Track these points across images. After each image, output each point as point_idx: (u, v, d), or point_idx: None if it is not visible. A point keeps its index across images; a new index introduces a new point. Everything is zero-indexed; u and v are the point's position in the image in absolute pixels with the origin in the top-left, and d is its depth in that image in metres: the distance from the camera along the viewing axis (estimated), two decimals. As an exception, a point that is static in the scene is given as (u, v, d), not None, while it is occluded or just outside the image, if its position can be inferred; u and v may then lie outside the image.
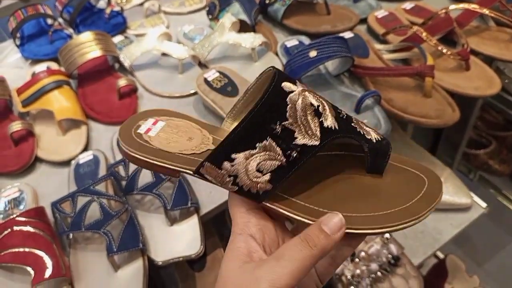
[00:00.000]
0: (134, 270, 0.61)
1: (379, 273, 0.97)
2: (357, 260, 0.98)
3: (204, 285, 0.89)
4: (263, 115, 0.33)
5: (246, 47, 0.91)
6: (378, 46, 0.97)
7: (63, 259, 0.60)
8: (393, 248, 0.99)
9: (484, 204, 1.09)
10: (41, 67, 0.96)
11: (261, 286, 0.30)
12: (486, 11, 0.94)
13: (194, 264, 0.92)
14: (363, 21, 1.06)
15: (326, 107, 0.35)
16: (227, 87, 0.83)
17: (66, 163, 0.76)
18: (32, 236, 0.60)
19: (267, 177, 0.34)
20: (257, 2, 1.07)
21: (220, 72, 0.86)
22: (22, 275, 0.59)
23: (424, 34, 0.89)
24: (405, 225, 0.33)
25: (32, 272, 0.57)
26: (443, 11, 0.97)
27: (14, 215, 0.62)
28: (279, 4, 1.05)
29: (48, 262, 0.58)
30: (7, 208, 0.68)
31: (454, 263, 1.24)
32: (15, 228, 0.61)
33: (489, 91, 0.85)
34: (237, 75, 0.86)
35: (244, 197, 0.35)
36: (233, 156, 0.33)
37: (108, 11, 1.08)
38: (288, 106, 0.33)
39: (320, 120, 0.34)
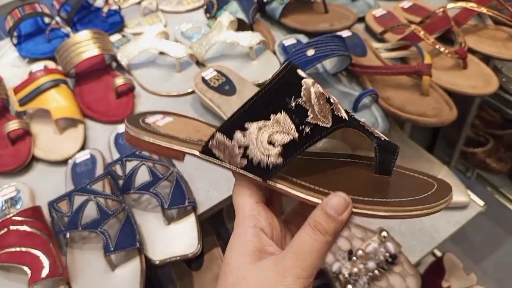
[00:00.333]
0: (131, 270, 0.61)
1: (376, 271, 0.98)
2: (354, 258, 0.99)
3: (202, 284, 0.89)
4: (280, 87, 0.34)
5: (244, 45, 0.91)
6: (376, 44, 0.97)
7: (60, 259, 0.60)
8: (390, 246, 0.99)
9: (481, 202, 1.10)
10: (38, 66, 0.96)
11: (287, 281, 0.30)
12: (484, 10, 0.94)
13: (192, 263, 0.91)
14: (361, 19, 1.06)
15: (337, 101, 0.36)
16: (225, 85, 0.83)
17: (63, 162, 0.76)
18: (28, 235, 0.60)
19: (278, 149, 0.33)
20: (255, 1, 1.06)
21: (218, 71, 0.86)
22: (18, 275, 0.59)
23: (421, 32, 0.89)
24: (418, 212, 0.32)
25: (28, 271, 0.57)
26: (441, 9, 0.97)
27: (11, 215, 0.62)
28: (277, 2, 1.04)
29: (45, 261, 0.58)
30: (3, 208, 0.68)
31: (452, 261, 1.24)
32: (12, 227, 0.61)
33: (486, 90, 0.84)
34: (235, 74, 0.86)
35: (252, 175, 0.34)
36: (247, 125, 0.33)
37: (105, 9, 1.08)
38: (303, 87, 0.34)
39: (332, 107, 0.34)
